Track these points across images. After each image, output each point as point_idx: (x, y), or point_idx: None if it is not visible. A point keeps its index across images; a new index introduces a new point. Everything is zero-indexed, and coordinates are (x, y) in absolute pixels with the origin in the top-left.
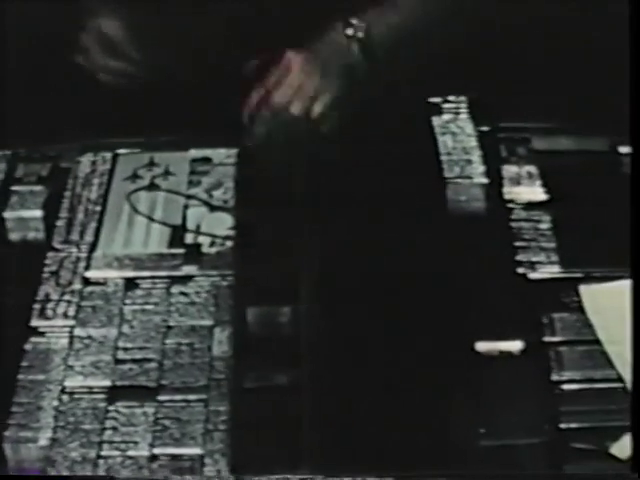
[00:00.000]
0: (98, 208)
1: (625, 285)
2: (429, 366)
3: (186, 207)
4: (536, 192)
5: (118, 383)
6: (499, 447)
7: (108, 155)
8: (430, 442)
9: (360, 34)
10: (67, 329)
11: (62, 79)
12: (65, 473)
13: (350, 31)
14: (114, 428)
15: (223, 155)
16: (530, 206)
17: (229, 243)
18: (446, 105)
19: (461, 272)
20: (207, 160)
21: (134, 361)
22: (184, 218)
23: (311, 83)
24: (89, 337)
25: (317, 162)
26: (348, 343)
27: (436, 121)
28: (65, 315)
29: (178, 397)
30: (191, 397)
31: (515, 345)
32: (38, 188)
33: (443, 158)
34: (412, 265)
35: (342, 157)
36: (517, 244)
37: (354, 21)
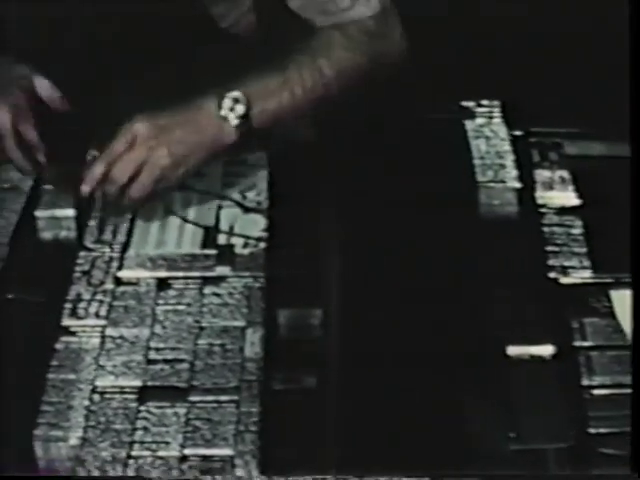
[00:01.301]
0: None
1: None
2: (459, 369)
3: (219, 208)
4: (569, 197)
5: (149, 383)
6: (528, 451)
7: None
8: (458, 444)
9: (239, 112)
10: (99, 329)
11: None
12: (95, 473)
13: (224, 111)
14: (145, 428)
15: (257, 157)
16: (562, 211)
17: (262, 244)
18: (479, 109)
19: (492, 276)
20: (241, 161)
21: (166, 361)
22: (217, 219)
23: (159, 157)
24: (121, 337)
25: (349, 165)
26: (378, 346)
27: (469, 125)
28: (97, 315)
29: (209, 398)
30: (223, 398)
31: (546, 349)
32: None
33: (476, 162)
34: (444, 268)
35: (374, 160)
36: (549, 249)
37: (230, 98)
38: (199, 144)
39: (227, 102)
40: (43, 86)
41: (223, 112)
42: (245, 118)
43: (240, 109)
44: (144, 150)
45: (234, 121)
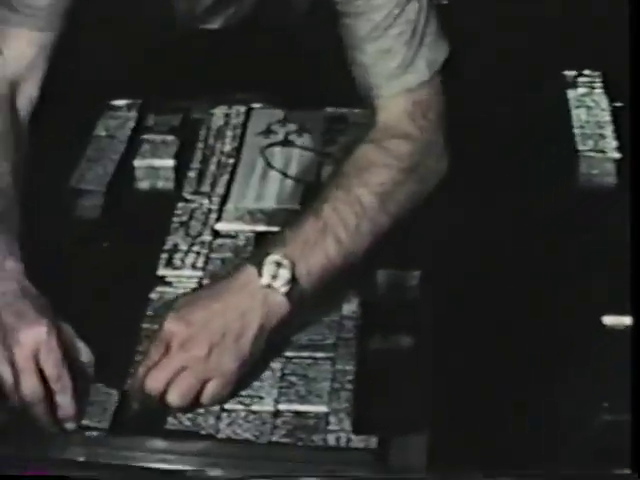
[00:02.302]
0: (231, 161)
1: None
2: (555, 337)
3: (321, 165)
4: None
5: None
6: (619, 422)
7: (242, 108)
8: (552, 410)
9: (285, 278)
10: (195, 280)
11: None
12: (187, 424)
13: (266, 280)
14: (240, 381)
15: (358, 114)
16: None
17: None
18: (581, 79)
19: (589, 244)
20: (342, 119)
21: None
22: (318, 176)
23: (195, 366)
24: None
25: (450, 128)
26: (474, 309)
27: (571, 94)
28: (193, 266)
29: (305, 354)
30: (318, 355)
31: None
32: (170, 138)
33: (576, 131)
34: (541, 236)
35: (475, 125)
36: None
37: (270, 264)
38: (247, 326)
39: (268, 269)
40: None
41: (266, 281)
42: (293, 282)
43: (285, 274)
44: (181, 357)
45: (282, 289)
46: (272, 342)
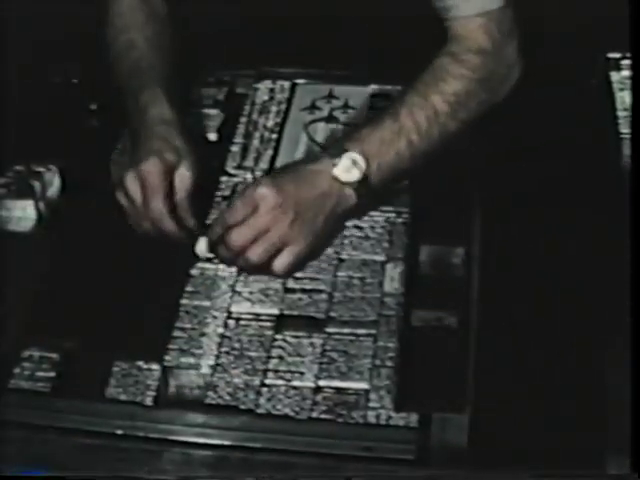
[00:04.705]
0: (274, 136)
1: None
2: (601, 311)
3: None
4: None
5: (286, 312)
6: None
7: (286, 84)
8: (599, 388)
9: (357, 175)
10: None
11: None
12: (227, 398)
13: (341, 172)
14: (280, 357)
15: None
16: None
17: (405, 181)
18: (625, 61)
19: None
20: (387, 96)
21: (304, 291)
22: (338, 229)
23: (278, 230)
24: None
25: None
26: (518, 288)
27: (614, 77)
28: None
29: (346, 330)
30: (360, 331)
31: None
32: (214, 112)
33: (620, 114)
34: (585, 217)
35: (518, 108)
36: None
37: (347, 159)
38: (319, 210)
39: (344, 163)
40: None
41: (341, 175)
42: (364, 179)
43: (358, 170)
44: (268, 219)
45: (354, 184)
46: (334, 231)
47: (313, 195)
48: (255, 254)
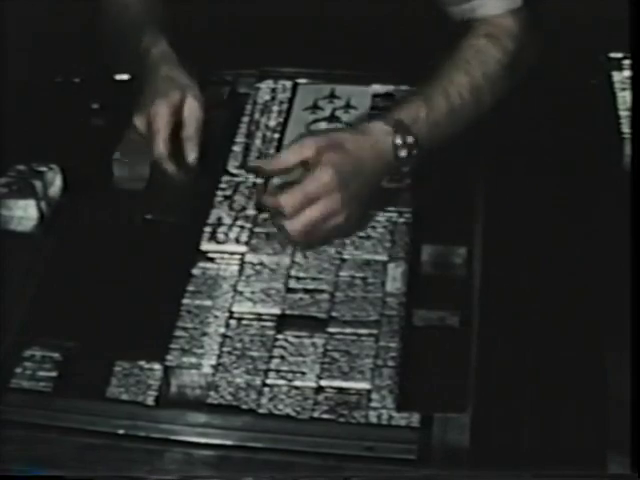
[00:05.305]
0: (277, 136)
1: None
2: (604, 310)
3: None
4: None
5: (288, 312)
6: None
7: (288, 84)
8: (598, 389)
9: (408, 142)
10: (238, 255)
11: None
12: (228, 398)
13: (395, 140)
14: (282, 357)
15: (404, 92)
16: None
17: (407, 180)
18: (627, 61)
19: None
20: (389, 96)
21: (306, 291)
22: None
23: (331, 199)
24: (261, 264)
25: (494, 108)
26: (520, 288)
27: (616, 76)
28: (237, 240)
29: (348, 330)
30: (362, 331)
31: None
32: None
33: (622, 114)
34: (586, 218)
35: (519, 108)
36: None
37: (401, 126)
38: (372, 175)
39: (398, 141)
40: (192, 106)
41: (395, 140)
42: (413, 148)
43: (411, 138)
44: (326, 210)
45: (404, 150)
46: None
47: (367, 164)
48: (300, 223)
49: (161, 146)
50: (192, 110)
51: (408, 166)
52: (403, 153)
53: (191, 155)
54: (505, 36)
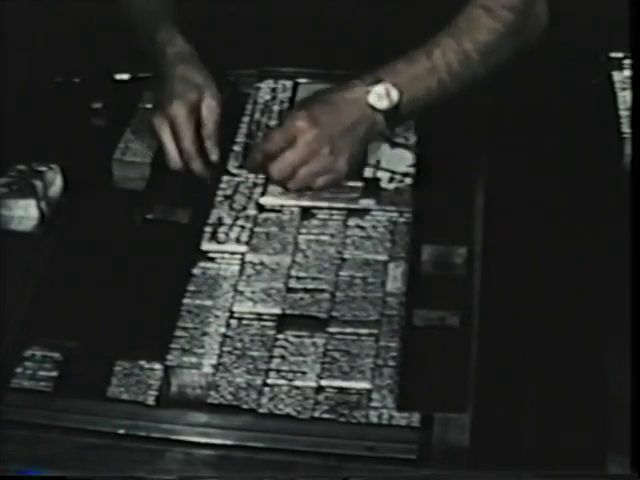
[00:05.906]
0: None
1: None
2: (605, 309)
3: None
4: None
5: (289, 312)
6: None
7: (288, 83)
8: (599, 389)
9: (388, 104)
10: (239, 255)
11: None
12: (229, 398)
13: (374, 100)
14: (282, 357)
15: None
16: None
17: (408, 180)
18: (628, 61)
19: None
20: None
21: (306, 291)
22: (365, 152)
23: (318, 163)
24: (261, 263)
25: (497, 106)
26: (521, 288)
27: (617, 76)
28: (238, 240)
29: (349, 330)
30: (362, 331)
31: None
32: None
33: (622, 113)
34: (587, 218)
35: (521, 106)
36: None
37: (380, 88)
38: (354, 136)
39: (378, 91)
40: (210, 105)
41: (374, 102)
42: (395, 108)
43: (391, 100)
44: (307, 151)
45: (385, 113)
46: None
47: (348, 123)
48: (296, 185)
49: (189, 148)
50: (210, 109)
51: (397, 120)
52: (383, 103)
53: (214, 154)
54: (501, 7)
